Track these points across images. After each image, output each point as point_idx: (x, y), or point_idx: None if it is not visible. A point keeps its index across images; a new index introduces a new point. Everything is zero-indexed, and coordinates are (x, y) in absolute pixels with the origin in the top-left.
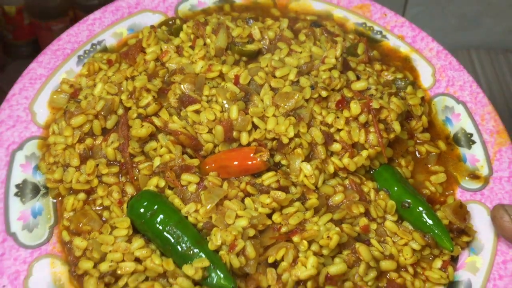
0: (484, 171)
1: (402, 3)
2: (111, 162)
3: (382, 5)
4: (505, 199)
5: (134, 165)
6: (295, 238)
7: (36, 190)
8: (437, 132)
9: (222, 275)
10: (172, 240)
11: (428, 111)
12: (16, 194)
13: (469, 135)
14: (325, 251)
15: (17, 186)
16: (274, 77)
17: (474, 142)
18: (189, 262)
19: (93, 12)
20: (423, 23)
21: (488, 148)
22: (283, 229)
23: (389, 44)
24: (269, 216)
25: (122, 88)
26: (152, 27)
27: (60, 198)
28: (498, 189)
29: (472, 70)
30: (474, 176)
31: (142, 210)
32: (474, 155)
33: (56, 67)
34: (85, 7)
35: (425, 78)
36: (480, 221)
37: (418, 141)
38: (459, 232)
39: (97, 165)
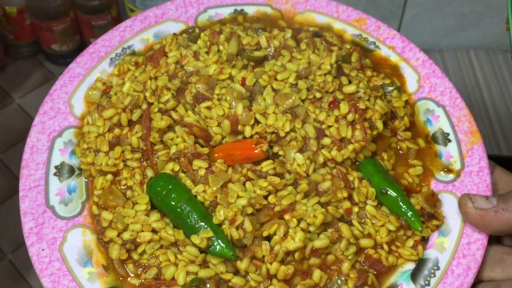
0: (457, 165)
1: (402, 4)
2: (135, 149)
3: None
4: (473, 190)
5: (154, 152)
6: (286, 216)
7: (71, 171)
8: (418, 131)
9: (223, 245)
10: (183, 215)
11: (411, 113)
12: (55, 174)
13: (446, 134)
14: (311, 228)
15: (56, 167)
16: (276, 80)
17: (450, 141)
18: (197, 233)
19: (124, 21)
20: (422, 23)
21: (462, 146)
22: (277, 208)
23: (381, 53)
24: (266, 197)
25: (146, 87)
26: (174, 34)
27: (91, 178)
28: (467, 182)
29: (471, 71)
30: (448, 170)
31: (159, 189)
32: (449, 152)
33: (92, 67)
34: (85, 8)
35: (411, 84)
36: (450, 208)
37: (400, 138)
38: (430, 217)
39: (123, 151)
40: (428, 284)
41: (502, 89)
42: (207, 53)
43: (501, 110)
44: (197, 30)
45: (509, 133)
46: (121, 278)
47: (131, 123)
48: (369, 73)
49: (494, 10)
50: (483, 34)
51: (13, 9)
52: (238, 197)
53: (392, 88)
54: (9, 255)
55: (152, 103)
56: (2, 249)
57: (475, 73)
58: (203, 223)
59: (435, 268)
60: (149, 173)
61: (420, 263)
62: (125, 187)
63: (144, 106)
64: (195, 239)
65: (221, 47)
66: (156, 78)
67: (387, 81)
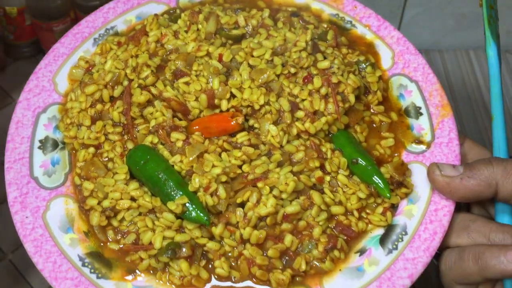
0: (427, 137)
1: (401, 4)
2: (116, 123)
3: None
4: (443, 160)
5: (135, 126)
6: (259, 184)
7: (55, 144)
8: (391, 105)
9: (198, 211)
10: (160, 183)
11: (385, 88)
12: (39, 147)
13: (418, 108)
14: (284, 195)
15: (40, 141)
16: (252, 56)
17: (421, 114)
18: (173, 200)
19: (108, 3)
20: (422, 23)
21: (433, 119)
22: (250, 177)
23: (357, 32)
24: (240, 167)
25: (127, 64)
26: (156, 15)
27: (74, 151)
28: (437, 152)
29: (471, 71)
30: (419, 141)
31: (137, 159)
32: (421, 125)
33: (75, 47)
34: (85, 8)
35: (385, 60)
36: (420, 178)
37: (373, 112)
38: (399, 185)
39: (105, 125)
40: (396, 248)
41: (502, 90)
42: (187, 32)
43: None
44: (178, 11)
45: (509, 133)
46: (101, 244)
47: (112, 100)
48: (344, 50)
49: None
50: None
51: (13, 9)
52: (213, 166)
53: (366, 64)
54: (9, 255)
55: (133, 80)
56: (2, 249)
57: (475, 73)
58: (179, 191)
59: (403, 233)
60: (130, 146)
61: (389, 229)
62: (106, 159)
63: (125, 83)
64: (171, 205)
65: (199, 26)
66: (137, 56)
67: (362, 58)
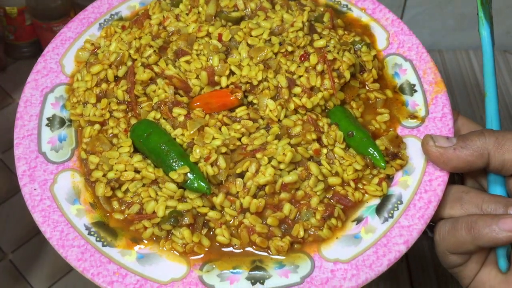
0: (421, 112)
1: (401, 4)
2: (120, 101)
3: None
4: (436, 133)
5: (138, 103)
6: (258, 155)
7: (62, 122)
8: (386, 83)
9: (199, 180)
10: (162, 154)
11: (380, 67)
12: (47, 125)
13: (412, 85)
14: (282, 166)
15: (48, 119)
16: (251, 36)
17: (416, 91)
18: (175, 170)
19: None
20: (422, 23)
21: (427, 95)
22: (249, 148)
23: (352, 14)
24: (239, 139)
25: (131, 46)
26: (158, 0)
27: (80, 128)
28: (431, 126)
29: (471, 71)
30: (413, 116)
31: (140, 132)
32: (415, 101)
33: (82, 32)
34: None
35: (381, 41)
36: (415, 151)
37: (368, 89)
38: (394, 156)
39: (109, 103)
40: (392, 216)
41: (502, 90)
42: (188, 15)
43: (500, 110)
44: None
45: (508, 125)
46: (107, 214)
47: (117, 79)
48: (340, 32)
49: (493, 11)
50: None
51: (14, 10)
52: (214, 138)
53: (361, 44)
54: (10, 255)
55: (136, 59)
56: (3, 249)
57: (475, 73)
58: (180, 162)
59: (399, 202)
60: (133, 122)
61: (385, 198)
62: (111, 135)
63: (129, 63)
64: (173, 174)
65: (200, 9)
66: (140, 38)
67: (357, 39)
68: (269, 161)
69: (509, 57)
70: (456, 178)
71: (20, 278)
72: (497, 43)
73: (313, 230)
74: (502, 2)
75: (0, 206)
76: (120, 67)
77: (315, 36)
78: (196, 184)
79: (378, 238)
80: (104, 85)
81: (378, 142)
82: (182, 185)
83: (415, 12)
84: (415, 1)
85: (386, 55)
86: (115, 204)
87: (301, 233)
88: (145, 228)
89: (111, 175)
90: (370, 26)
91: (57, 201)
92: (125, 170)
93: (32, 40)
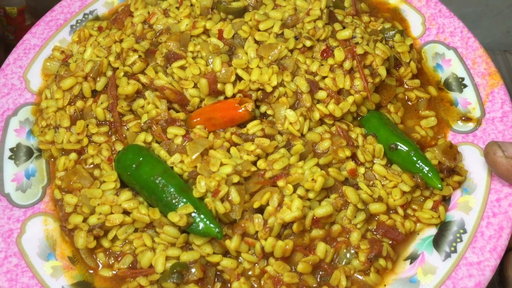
0: (476, 113)
1: None
2: (101, 122)
3: None
4: (498, 138)
5: (123, 123)
6: (280, 183)
7: (29, 152)
8: (428, 78)
9: (207, 221)
10: (157, 190)
11: (418, 59)
12: (10, 158)
13: (460, 79)
14: (311, 195)
15: (11, 149)
16: (258, 30)
17: (465, 86)
18: (174, 209)
19: None
20: None
21: (480, 91)
22: (268, 174)
23: None
24: (254, 163)
25: (111, 51)
26: None
27: (52, 160)
28: (490, 130)
29: None
30: (466, 118)
31: (128, 162)
32: (466, 98)
33: (50, 37)
34: None
35: (415, 27)
36: (473, 162)
37: (407, 87)
38: (450, 172)
39: (87, 125)
40: (455, 251)
41: None
42: (178, 8)
43: None
44: None
45: None
46: (90, 271)
47: (95, 94)
48: (366, 18)
49: (493, 11)
50: (483, 34)
51: (14, 10)
52: (222, 165)
53: (393, 32)
54: None
55: (118, 68)
56: None
57: None
58: (181, 198)
59: (461, 231)
60: (119, 147)
61: (443, 227)
62: (92, 165)
63: (109, 73)
64: (173, 216)
65: (193, 0)
66: (121, 41)
67: (388, 25)
68: (295, 190)
69: (509, 57)
70: None
71: None
72: (497, 43)
73: (357, 275)
74: (502, 2)
75: None
76: (98, 79)
77: (337, 26)
78: (203, 227)
79: (441, 281)
80: (79, 103)
81: (428, 155)
82: (185, 229)
83: None
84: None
85: (424, 44)
86: (101, 257)
87: (343, 283)
88: (141, 287)
89: (93, 220)
90: (400, 9)
91: (27, 258)
92: (111, 213)
93: None
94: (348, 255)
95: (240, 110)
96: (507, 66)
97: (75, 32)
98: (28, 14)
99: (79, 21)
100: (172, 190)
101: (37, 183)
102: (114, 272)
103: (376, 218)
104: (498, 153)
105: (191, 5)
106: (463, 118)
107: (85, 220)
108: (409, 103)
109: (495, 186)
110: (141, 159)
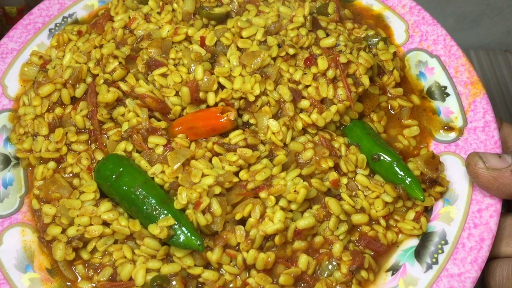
0: (458, 122)
1: None
2: (80, 130)
3: None
4: (480, 149)
5: (103, 131)
6: (262, 194)
7: (7, 161)
8: (411, 87)
9: (188, 233)
10: (138, 201)
11: (402, 67)
12: None
13: (443, 88)
14: (293, 206)
15: None
16: (241, 37)
17: (448, 95)
18: (155, 221)
19: None
20: None
21: (463, 100)
22: (250, 186)
23: (361, 3)
24: (236, 174)
25: (91, 57)
26: None
27: (30, 168)
28: (472, 139)
29: None
30: (449, 128)
31: (108, 173)
32: (448, 107)
33: (27, 41)
34: None
35: (399, 34)
36: (455, 171)
37: (390, 96)
38: (432, 183)
39: (66, 133)
40: (436, 262)
41: (502, 89)
42: (160, 13)
43: (501, 110)
44: None
45: None
46: (68, 283)
47: (74, 101)
48: (349, 25)
49: (494, 10)
50: (483, 34)
51: (13, 9)
52: (203, 175)
53: (377, 39)
54: None
55: (97, 75)
56: None
57: (476, 72)
58: (162, 210)
59: (443, 242)
60: (98, 156)
61: (425, 238)
62: (71, 175)
63: (89, 80)
64: (154, 228)
65: (175, 6)
66: (101, 46)
67: (371, 33)
68: (277, 202)
69: (510, 57)
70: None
71: None
72: (497, 43)
73: (339, 287)
74: (503, 1)
75: None
76: (77, 86)
77: (321, 33)
78: (184, 239)
79: None
80: (58, 110)
81: (411, 165)
82: (166, 241)
83: None
84: (415, 1)
85: (407, 51)
86: (80, 269)
87: None
88: None
89: (72, 231)
90: (384, 16)
91: (4, 270)
92: (91, 224)
93: None
94: (330, 267)
95: (223, 120)
96: (508, 66)
97: (54, 37)
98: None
99: (58, 24)
100: (152, 201)
101: (15, 193)
102: (93, 285)
103: (358, 229)
104: (479, 165)
105: (173, 10)
106: (446, 127)
107: (63, 231)
108: (392, 112)
109: (476, 197)
110: (121, 169)
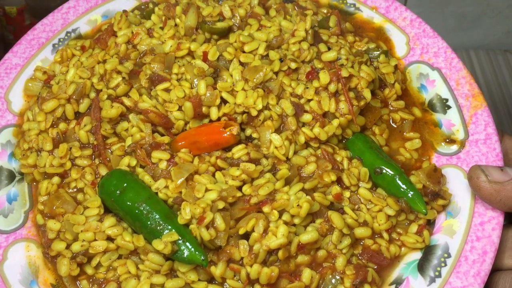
0: (460, 135)
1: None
2: (84, 145)
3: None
4: (482, 161)
5: (107, 146)
6: (265, 209)
7: (11, 176)
8: (412, 99)
9: (192, 248)
10: (142, 217)
11: (403, 79)
12: None
13: (444, 100)
14: (296, 220)
15: None
16: (243, 52)
17: (449, 107)
18: (159, 237)
19: (67, 1)
20: None
21: (464, 112)
22: (253, 200)
23: (362, 16)
24: (240, 188)
25: (94, 72)
26: (124, 11)
27: (35, 183)
28: (474, 152)
29: (471, 70)
30: (450, 140)
31: (112, 188)
32: (450, 120)
33: (31, 56)
34: None
35: (400, 47)
36: (457, 184)
37: (392, 109)
38: (434, 196)
39: (70, 148)
40: (439, 275)
41: (502, 89)
42: (162, 28)
43: (501, 110)
44: (151, 5)
45: (509, 132)
46: None
47: (78, 116)
48: (350, 38)
49: (494, 10)
50: (483, 34)
51: (13, 9)
52: (207, 190)
53: (378, 52)
54: None
55: (101, 90)
56: None
57: (475, 73)
58: (166, 225)
59: (446, 255)
60: (102, 171)
61: (427, 251)
62: (75, 190)
63: (93, 95)
64: (158, 244)
65: (177, 21)
66: (104, 62)
67: (372, 46)
68: (280, 216)
69: (510, 57)
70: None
71: None
72: (497, 43)
73: None
74: (503, 1)
75: None
76: (81, 101)
77: (322, 47)
78: (188, 254)
79: None
80: (62, 125)
81: (413, 179)
82: (170, 256)
83: (415, 12)
84: (415, 1)
85: (408, 64)
86: (85, 285)
87: None
88: None
89: (76, 247)
90: (384, 29)
91: (8, 285)
92: (95, 239)
93: None
94: (333, 281)
95: (225, 134)
96: (508, 66)
97: (58, 52)
98: (27, 13)
99: (61, 39)
100: (156, 217)
101: (19, 208)
102: None
103: (361, 243)
104: (481, 178)
105: (175, 25)
106: (447, 140)
107: (68, 246)
108: (394, 125)
109: (478, 210)
110: (125, 184)
